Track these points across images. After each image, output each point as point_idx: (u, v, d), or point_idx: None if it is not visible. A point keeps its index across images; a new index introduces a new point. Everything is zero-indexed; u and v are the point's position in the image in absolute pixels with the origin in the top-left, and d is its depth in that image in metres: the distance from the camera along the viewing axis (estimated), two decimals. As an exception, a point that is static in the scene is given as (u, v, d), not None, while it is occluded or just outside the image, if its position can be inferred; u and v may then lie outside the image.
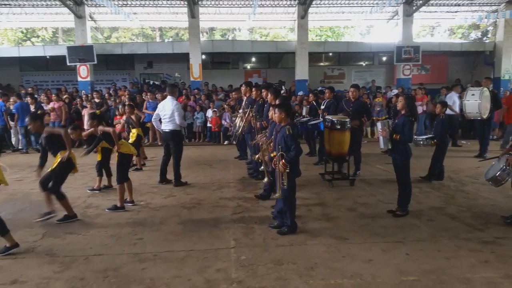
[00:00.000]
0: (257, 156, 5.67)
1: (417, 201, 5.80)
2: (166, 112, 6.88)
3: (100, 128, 6.10)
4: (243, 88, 7.74)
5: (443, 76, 18.39)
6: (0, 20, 17.27)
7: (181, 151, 7.11)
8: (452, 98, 10.80)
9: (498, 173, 4.76)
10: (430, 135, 6.92)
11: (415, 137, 6.61)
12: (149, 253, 4.16)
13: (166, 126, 6.93)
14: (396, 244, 4.27)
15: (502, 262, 3.81)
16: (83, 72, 15.69)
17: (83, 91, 15.06)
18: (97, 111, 8.50)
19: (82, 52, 15.27)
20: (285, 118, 4.57)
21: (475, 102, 8.32)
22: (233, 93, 11.06)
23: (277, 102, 5.93)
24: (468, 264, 3.78)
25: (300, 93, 14.37)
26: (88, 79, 15.75)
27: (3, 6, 15.73)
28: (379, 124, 5.28)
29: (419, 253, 4.03)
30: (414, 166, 5.33)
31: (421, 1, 15.61)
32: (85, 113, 11.84)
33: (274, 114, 4.72)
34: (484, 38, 21.08)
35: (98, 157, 6.64)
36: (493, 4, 16.71)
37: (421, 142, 6.80)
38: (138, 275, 3.66)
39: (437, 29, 22.46)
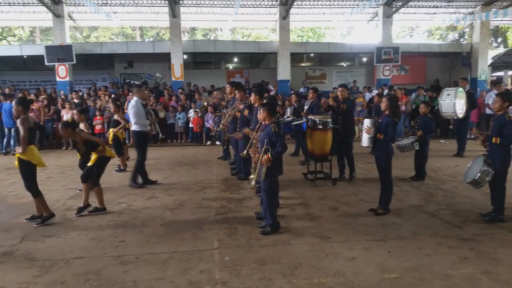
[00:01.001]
0: (244, 152, 5.62)
1: (397, 199, 5.89)
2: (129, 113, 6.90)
3: (87, 137, 5.72)
4: (228, 88, 7.68)
5: (421, 77, 18.76)
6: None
7: (143, 152, 6.98)
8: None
9: (478, 175, 4.85)
10: (413, 138, 6.98)
11: (399, 143, 6.71)
12: (131, 255, 4.09)
13: (132, 127, 6.95)
14: (378, 242, 4.33)
15: (481, 258, 3.90)
16: (62, 72, 15.36)
17: (62, 92, 14.75)
18: (69, 120, 8.31)
19: (60, 52, 14.94)
20: (269, 117, 4.59)
21: (450, 101, 8.51)
22: (215, 93, 11.01)
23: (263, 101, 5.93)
24: (448, 260, 3.86)
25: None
26: (67, 79, 15.44)
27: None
28: (366, 121, 5.34)
29: (400, 251, 4.10)
30: (395, 165, 5.41)
31: (400, 3, 15.89)
32: (64, 114, 11.62)
33: (259, 114, 4.73)
34: (461, 40, 21.62)
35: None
36: (469, 7, 17.15)
37: (405, 147, 6.81)
38: (120, 278, 3.61)
39: (416, 30, 22.92)
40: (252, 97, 6.04)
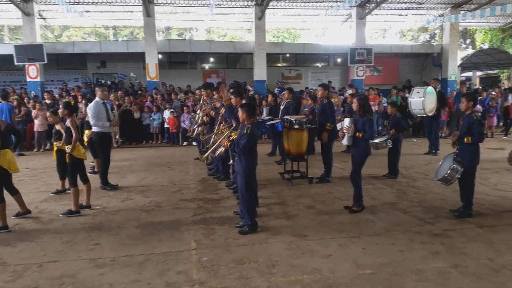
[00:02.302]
0: (205, 155, 5.66)
1: (371, 197, 6.04)
2: None
3: (74, 126, 5.60)
4: (203, 92, 7.53)
5: (394, 77, 19.21)
6: None
7: (105, 154, 6.86)
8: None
9: (448, 172, 5.03)
10: (386, 137, 7.20)
11: (373, 141, 6.87)
12: (106, 258, 4.04)
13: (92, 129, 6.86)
14: (353, 239, 4.43)
15: (451, 253, 4.04)
16: (33, 72, 14.91)
17: (32, 92, 14.32)
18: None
19: (31, 51, 14.48)
20: (247, 118, 4.63)
21: (419, 99, 8.78)
22: (197, 92, 10.80)
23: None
24: (420, 256, 3.98)
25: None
26: (38, 79, 14.99)
27: None
28: (346, 121, 5.44)
29: (374, 247, 4.20)
30: (369, 164, 5.54)
31: (373, 5, 16.24)
32: (34, 114, 11.29)
33: (238, 114, 4.76)
34: (432, 41, 22.25)
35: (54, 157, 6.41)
36: (439, 9, 17.70)
37: (379, 144, 7.06)
38: (95, 281, 3.56)
39: (389, 31, 23.44)
40: (233, 99, 6.02)
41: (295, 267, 3.77)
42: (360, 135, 5.24)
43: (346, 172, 7.54)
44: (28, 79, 15.01)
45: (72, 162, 5.49)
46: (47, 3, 15.06)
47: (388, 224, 4.92)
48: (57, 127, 6.17)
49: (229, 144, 4.65)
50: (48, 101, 12.13)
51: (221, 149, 4.94)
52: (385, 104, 13.07)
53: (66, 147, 5.50)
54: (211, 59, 19.14)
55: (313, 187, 6.80)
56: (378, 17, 18.50)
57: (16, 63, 14.67)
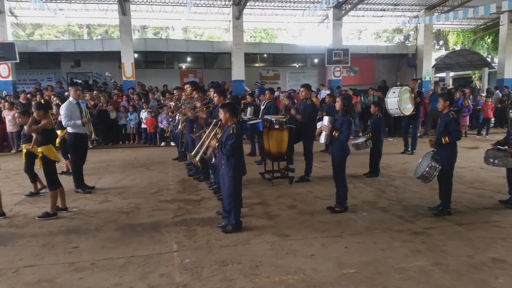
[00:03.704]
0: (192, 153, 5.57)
1: (351, 196, 6.08)
2: None
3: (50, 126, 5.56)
4: (188, 88, 7.46)
5: (370, 78, 19.55)
6: None
7: (78, 155, 6.66)
8: None
9: (426, 169, 5.14)
10: (366, 137, 7.32)
11: (354, 141, 6.95)
12: (85, 261, 3.93)
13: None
14: (335, 238, 4.46)
15: (432, 251, 4.11)
16: (4, 71, 14.41)
17: (4, 92, 13.82)
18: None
19: (2, 50, 13.99)
20: (231, 118, 4.59)
21: (394, 99, 8.97)
22: (175, 92, 10.65)
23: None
24: (402, 254, 4.04)
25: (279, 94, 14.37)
26: (10, 78, 14.51)
27: None
28: (325, 119, 5.46)
29: (356, 246, 4.24)
30: (348, 163, 5.58)
31: (349, 6, 16.47)
32: (6, 115, 10.90)
33: (220, 114, 4.71)
34: (407, 42, 22.78)
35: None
36: (414, 10, 18.13)
37: (360, 145, 7.18)
38: (75, 285, 3.46)
39: (364, 32, 23.84)
40: (216, 98, 5.97)
41: (279, 267, 3.77)
42: (337, 134, 5.29)
43: (325, 171, 7.63)
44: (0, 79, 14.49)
45: (46, 165, 5.32)
46: (18, 0, 14.55)
47: (369, 222, 4.98)
48: (26, 128, 5.97)
49: (217, 144, 4.58)
50: (23, 101, 11.72)
51: (210, 150, 4.87)
52: (364, 105, 13.33)
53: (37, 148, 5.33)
54: (188, 59, 18.97)
55: (294, 187, 6.82)
56: (354, 18, 18.77)
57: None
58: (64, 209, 5.54)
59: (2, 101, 11.88)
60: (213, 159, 4.96)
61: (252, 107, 9.18)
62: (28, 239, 4.56)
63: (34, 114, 5.56)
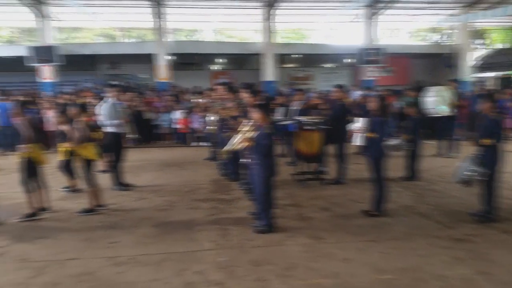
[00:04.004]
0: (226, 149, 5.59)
1: (389, 200, 5.94)
2: None
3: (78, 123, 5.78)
4: (220, 89, 7.53)
5: (406, 78, 19.08)
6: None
7: (113, 153, 6.83)
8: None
9: (466, 173, 4.91)
10: (400, 140, 7.07)
11: (390, 143, 6.75)
12: (124, 256, 4.06)
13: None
14: (370, 243, 4.37)
15: (474, 258, 3.94)
16: (46, 73, 15.05)
17: (46, 93, 14.44)
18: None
19: (43, 53, 14.62)
20: (263, 118, 4.59)
21: (431, 99, 8.69)
22: (207, 93, 10.75)
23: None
24: (442, 261, 3.89)
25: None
26: (51, 80, 15.13)
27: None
28: (360, 120, 5.38)
29: (393, 252, 4.13)
30: (389, 166, 5.44)
31: (383, 4, 16.13)
32: (46, 114, 11.35)
33: (253, 114, 4.72)
34: (444, 41, 22.07)
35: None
36: (451, 8, 17.52)
37: (395, 147, 6.93)
38: (114, 279, 3.58)
39: (399, 31, 23.29)
40: (248, 98, 6.00)
41: (313, 270, 3.74)
42: (373, 135, 5.17)
43: (360, 174, 7.48)
44: (41, 80, 15.15)
45: (84, 163, 5.54)
46: (60, 5, 15.18)
47: (407, 228, 4.83)
48: (63, 127, 6.31)
49: (249, 144, 4.61)
50: (63, 102, 12.20)
51: (243, 144, 4.87)
52: (399, 105, 12.97)
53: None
54: (219, 60, 19.18)
55: (327, 189, 6.73)
56: (389, 17, 18.36)
57: (28, 64, 14.80)
58: (101, 206, 5.73)
59: (44, 101, 12.40)
60: (244, 159, 4.99)
61: (284, 108, 9.16)
62: (70, 233, 4.77)
63: (72, 114, 5.80)
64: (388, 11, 17.19)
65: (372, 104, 5.30)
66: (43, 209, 5.48)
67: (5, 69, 17.48)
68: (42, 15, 14.80)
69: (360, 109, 9.75)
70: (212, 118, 7.63)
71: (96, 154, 5.73)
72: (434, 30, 22.02)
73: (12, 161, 5.48)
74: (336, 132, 6.94)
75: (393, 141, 7.09)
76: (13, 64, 16.85)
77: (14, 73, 17.31)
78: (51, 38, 15.37)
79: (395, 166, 7.67)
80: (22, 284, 3.51)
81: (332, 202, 5.93)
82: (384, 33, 23.32)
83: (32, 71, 15.65)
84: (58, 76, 15.92)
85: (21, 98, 10.97)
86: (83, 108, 6.00)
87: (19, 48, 15.95)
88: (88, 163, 5.56)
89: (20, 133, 5.25)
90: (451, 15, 17.40)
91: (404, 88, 14.18)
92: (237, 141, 4.99)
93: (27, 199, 5.33)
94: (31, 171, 5.33)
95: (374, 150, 5.24)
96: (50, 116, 11.17)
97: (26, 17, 15.96)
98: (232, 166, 7.28)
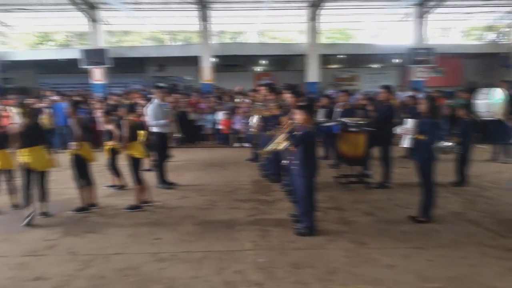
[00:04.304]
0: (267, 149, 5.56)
1: (437, 206, 5.66)
2: None
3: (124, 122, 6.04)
4: (263, 90, 7.54)
5: (458, 79, 18.18)
6: (17, 24, 17.49)
7: (160, 153, 6.97)
8: None
9: None
10: (453, 142, 6.73)
11: (439, 146, 6.42)
12: (167, 253, 4.16)
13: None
14: (417, 250, 4.18)
15: (530, 270, 3.67)
16: (97, 75, 15.84)
17: (96, 94, 15.19)
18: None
19: (95, 55, 15.40)
20: (306, 119, 4.54)
21: (484, 101, 8.17)
22: (250, 94, 10.83)
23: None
24: (493, 271, 3.66)
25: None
26: (102, 82, 15.89)
27: (20, 11, 15.97)
28: (409, 121, 5.16)
29: (441, 260, 3.94)
30: (437, 170, 5.19)
31: (434, 3, 15.46)
32: (96, 114, 11.90)
33: (295, 116, 4.68)
34: (500, 40, 20.78)
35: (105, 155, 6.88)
36: (508, 5, 16.47)
37: (445, 150, 6.59)
38: (157, 275, 3.67)
39: (452, 30, 22.23)
40: (291, 99, 5.96)
41: (355, 275, 3.63)
42: (422, 138, 4.93)
43: (406, 178, 7.21)
44: (93, 82, 15.95)
45: (131, 161, 5.73)
46: (111, 9, 15.90)
47: (456, 235, 4.59)
48: (108, 126, 6.64)
49: (291, 146, 4.57)
50: (112, 103, 12.76)
51: (284, 144, 4.86)
52: (451, 107, 12.37)
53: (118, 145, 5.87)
54: (263, 62, 19.24)
55: (371, 193, 6.52)
56: (440, 16, 17.57)
57: (82, 67, 15.64)
58: (148, 203, 5.92)
59: (95, 102, 13.03)
60: (285, 161, 4.95)
61: (325, 110, 9.01)
62: (116, 228, 4.95)
63: (121, 114, 6.05)
64: (440, 9, 16.47)
65: (422, 106, 5.06)
66: (92, 205, 5.76)
67: (60, 71, 18.59)
68: (94, 20, 15.57)
69: (408, 111, 9.41)
70: (254, 119, 7.65)
71: (143, 153, 5.93)
72: (489, 28, 20.78)
73: (65, 158, 5.75)
74: (381, 134, 6.72)
75: (443, 144, 6.75)
76: (68, 66, 17.89)
77: (68, 75, 18.35)
78: (102, 42, 16.12)
79: (445, 170, 7.33)
80: (70, 276, 3.68)
81: (376, 207, 5.74)
82: (435, 32, 22.39)
83: (85, 73, 16.52)
84: (108, 78, 16.68)
85: (74, 98, 11.62)
86: (131, 108, 6.25)
87: (73, 51, 16.89)
88: (136, 161, 5.76)
89: (72, 132, 5.54)
90: (509, 12, 16.34)
91: (456, 90, 13.54)
92: (279, 142, 4.97)
93: (79, 195, 5.64)
94: (81, 168, 5.62)
95: (422, 153, 5.00)
96: (99, 116, 11.70)
97: (79, 21, 16.87)
98: (273, 167, 7.27)
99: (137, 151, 5.80)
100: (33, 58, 17.31)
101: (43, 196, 5.50)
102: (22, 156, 5.19)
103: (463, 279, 3.53)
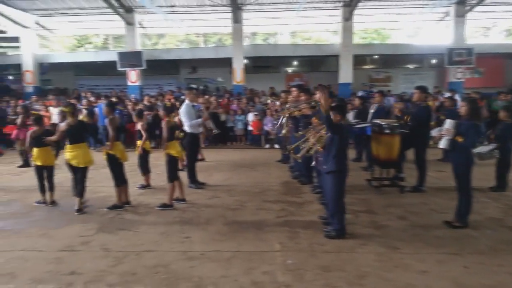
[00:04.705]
0: (300, 154, 5.52)
1: (473, 211, 5.38)
2: None
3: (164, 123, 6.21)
4: (294, 92, 7.52)
5: (499, 80, 17.36)
6: (57, 28, 18.30)
7: (191, 153, 7.06)
8: None
9: None
10: (493, 146, 6.42)
11: (478, 150, 6.16)
12: (196, 251, 4.21)
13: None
14: (452, 256, 4.03)
15: None
16: (133, 76, 16.30)
17: (132, 95, 15.63)
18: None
19: (131, 58, 15.85)
20: (338, 120, 4.49)
21: None
22: (282, 94, 10.78)
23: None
24: (536, 281, 3.47)
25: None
26: (137, 83, 16.34)
27: (60, 15, 16.71)
28: (448, 122, 4.97)
29: (478, 267, 3.78)
30: (472, 175, 4.97)
31: (475, 1, 14.86)
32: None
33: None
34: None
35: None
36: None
37: (484, 154, 6.28)
38: (186, 273, 3.72)
39: (493, 29, 21.28)
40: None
41: (387, 280, 3.54)
42: (461, 140, 4.73)
43: (442, 182, 6.99)
44: (129, 83, 16.43)
45: (168, 160, 5.87)
46: (146, 13, 16.33)
47: (494, 242, 4.39)
48: (138, 127, 6.89)
49: (323, 148, 4.52)
50: (147, 103, 13.10)
51: (316, 147, 4.83)
52: (490, 109, 11.85)
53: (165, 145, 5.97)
54: (295, 63, 19.16)
55: (405, 196, 6.34)
56: (480, 14, 16.85)
57: (119, 69, 16.15)
58: (183, 200, 6.08)
59: (131, 103, 13.41)
60: (316, 162, 4.91)
61: (355, 111, 8.85)
62: (148, 226, 5.06)
63: (160, 114, 6.21)
64: (481, 8, 15.80)
65: (463, 108, 4.85)
66: (125, 203, 5.92)
67: (98, 73, 19.27)
68: (130, 23, 16.03)
69: (446, 113, 9.09)
70: (284, 120, 7.63)
71: (180, 152, 6.07)
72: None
73: (101, 157, 5.95)
74: (417, 136, 6.53)
75: (482, 148, 6.46)
76: (105, 68, 18.54)
77: (105, 77, 19.00)
78: (138, 44, 16.57)
79: (483, 174, 7.03)
80: (103, 271, 3.79)
81: (410, 211, 5.57)
82: (475, 31, 21.53)
83: (121, 74, 17.04)
84: (143, 79, 17.13)
85: (112, 99, 12.00)
86: (171, 109, 6.40)
87: (110, 53, 17.46)
88: (173, 159, 5.90)
89: (107, 132, 5.73)
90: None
91: (497, 91, 12.96)
92: (310, 147, 4.93)
93: (116, 192, 5.83)
94: (115, 167, 5.80)
95: (460, 156, 4.80)
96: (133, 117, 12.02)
97: (116, 24, 17.43)
98: (304, 169, 7.22)
99: (175, 150, 5.94)
100: (72, 60, 18.07)
101: (80, 192, 5.73)
102: (69, 153, 5.57)
103: (501, 287, 3.35)
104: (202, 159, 9.57)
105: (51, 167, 6.17)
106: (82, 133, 5.81)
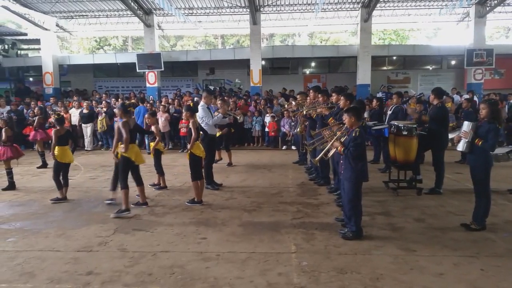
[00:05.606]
0: (317, 158, 5.54)
1: (491, 213, 5.30)
2: None
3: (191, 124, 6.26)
4: (311, 93, 7.54)
5: (519, 81, 16.96)
6: (77, 30, 18.76)
7: (210, 154, 7.07)
8: None
9: None
10: (509, 148, 6.31)
11: (494, 152, 6.06)
12: (212, 252, 4.26)
13: None
14: (469, 259, 3.99)
15: None
16: (151, 78, 16.56)
17: (151, 96, 15.88)
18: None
19: (150, 59, 16.12)
20: (355, 122, 4.50)
21: None
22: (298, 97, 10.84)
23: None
24: (556, 286, 3.41)
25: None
26: (156, 85, 16.58)
27: (80, 17, 17.12)
28: (466, 124, 4.92)
29: (495, 270, 3.73)
30: (493, 177, 4.90)
31: (495, 1, 14.56)
32: (159, 116, 12.40)
33: (344, 118, 4.65)
34: None
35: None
36: None
37: (501, 156, 6.16)
38: (202, 274, 3.77)
39: (513, 30, 20.79)
40: (342, 101, 5.92)
41: (402, 282, 3.52)
42: (480, 143, 4.67)
43: (460, 184, 6.89)
44: (147, 85, 16.70)
45: (192, 159, 6.01)
46: (165, 15, 16.58)
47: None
48: (153, 128, 7.00)
49: (342, 149, 4.51)
50: (165, 105, 13.29)
51: (333, 151, 4.86)
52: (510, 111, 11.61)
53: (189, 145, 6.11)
54: (313, 64, 19.13)
55: (422, 199, 6.29)
56: (501, 15, 16.50)
57: (137, 70, 16.44)
58: (199, 203, 6.14)
59: (149, 105, 13.60)
60: (333, 164, 4.92)
61: (369, 112, 8.80)
62: (165, 227, 5.14)
63: (183, 115, 6.34)
64: (501, 8, 15.49)
65: (484, 110, 4.77)
66: (144, 204, 6.03)
67: (117, 75, 19.64)
68: (149, 25, 16.30)
69: (464, 114, 8.97)
70: (300, 120, 7.67)
71: (203, 152, 6.19)
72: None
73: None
74: (434, 138, 6.46)
75: (499, 149, 6.34)
76: (123, 70, 18.88)
77: (124, 78, 19.35)
78: (157, 46, 16.82)
79: (502, 176, 6.91)
80: (120, 271, 3.87)
81: (427, 213, 5.52)
82: (496, 32, 21.07)
83: (140, 76, 17.34)
84: (161, 81, 17.37)
85: (131, 101, 12.23)
86: (194, 110, 6.50)
87: (129, 55, 17.79)
88: (197, 159, 6.05)
89: (122, 134, 5.75)
90: None
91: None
92: (328, 150, 4.95)
93: (123, 196, 5.68)
94: (125, 170, 5.77)
95: (479, 159, 4.73)
96: (163, 118, 12.15)
97: (135, 27, 17.75)
98: (320, 170, 7.23)
99: (199, 150, 6.08)
100: (91, 62, 18.45)
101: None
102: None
103: (520, 292, 3.32)
104: (220, 159, 9.68)
105: (69, 165, 6.53)
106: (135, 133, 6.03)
